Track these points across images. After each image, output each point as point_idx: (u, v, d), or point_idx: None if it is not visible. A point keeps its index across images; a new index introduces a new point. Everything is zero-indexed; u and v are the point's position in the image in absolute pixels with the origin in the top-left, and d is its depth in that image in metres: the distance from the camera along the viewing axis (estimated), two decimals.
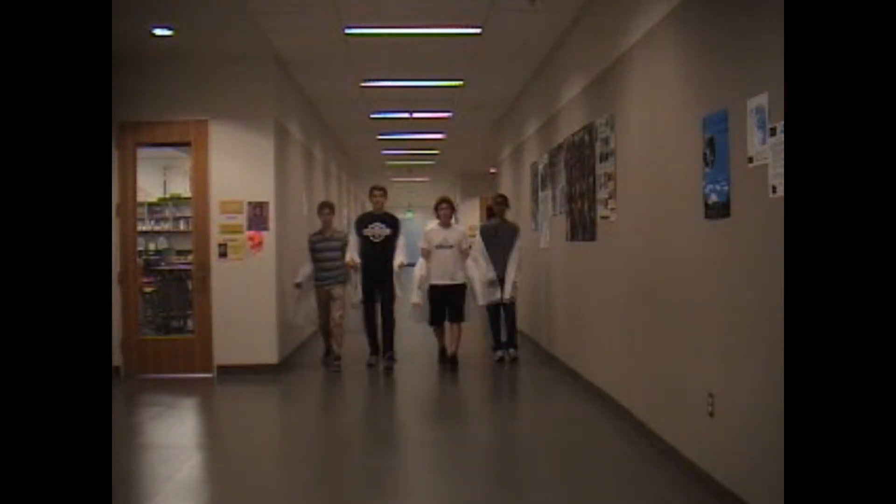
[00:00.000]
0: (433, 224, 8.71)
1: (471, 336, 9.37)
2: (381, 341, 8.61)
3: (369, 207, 8.92)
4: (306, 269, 8.57)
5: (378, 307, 8.54)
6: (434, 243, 8.49)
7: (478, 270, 8.60)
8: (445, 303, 8.45)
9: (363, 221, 8.65)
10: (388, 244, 8.47)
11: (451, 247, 8.49)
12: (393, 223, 8.60)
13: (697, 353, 4.48)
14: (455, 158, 18.54)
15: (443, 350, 8.65)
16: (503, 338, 8.85)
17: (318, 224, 8.89)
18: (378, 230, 8.50)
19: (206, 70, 8.23)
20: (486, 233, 8.89)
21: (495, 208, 9.13)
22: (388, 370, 8.38)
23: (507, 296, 8.63)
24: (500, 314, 8.82)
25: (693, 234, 4.50)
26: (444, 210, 8.61)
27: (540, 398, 7.27)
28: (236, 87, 8.29)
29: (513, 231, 8.87)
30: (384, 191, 8.83)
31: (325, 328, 8.64)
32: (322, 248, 8.55)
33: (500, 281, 8.64)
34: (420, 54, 8.66)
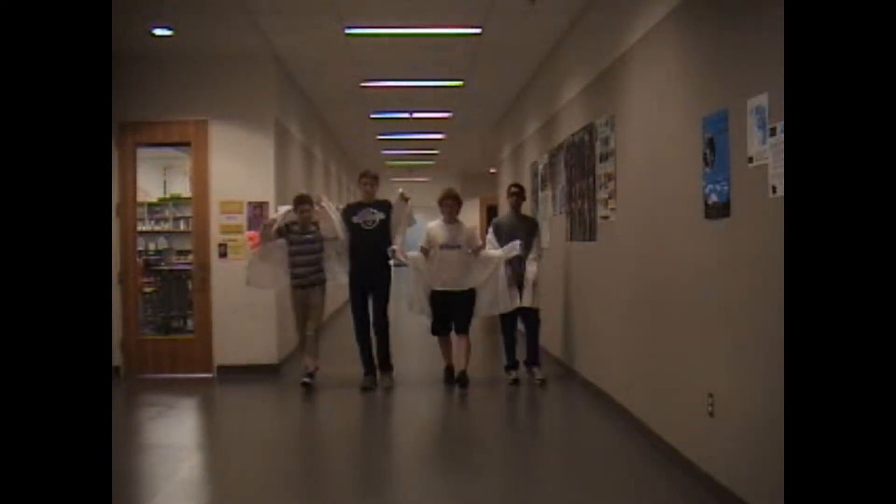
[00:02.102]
0: (436, 221, 7.56)
1: (476, 347, 8.14)
2: (376, 354, 7.50)
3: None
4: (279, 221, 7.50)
5: (370, 309, 7.48)
6: (438, 242, 7.36)
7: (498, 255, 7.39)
8: (451, 309, 7.39)
9: (351, 210, 7.57)
10: (383, 230, 7.36)
11: (458, 247, 7.34)
12: (387, 207, 7.48)
13: (697, 353, 4.48)
14: (455, 158, 18.54)
15: (448, 369, 7.58)
16: (520, 355, 7.61)
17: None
18: (369, 216, 7.38)
19: (206, 70, 8.23)
20: (499, 228, 7.73)
21: (510, 200, 7.80)
22: (387, 390, 7.33)
23: (526, 302, 7.45)
24: (517, 325, 7.68)
25: (693, 234, 4.50)
26: (449, 206, 7.47)
27: (536, 398, 7.26)
28: (236, 87, 8.30)
29: (531, 226, 7.70)
30: (375, 177, 7.63)
31: (302, 336, 7.62)
32: (298, 242, 7.45)
33: (518, 285, 7.48)
34: (420, 54, 8.66)
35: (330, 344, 9.29)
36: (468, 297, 7.40)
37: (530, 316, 7.55)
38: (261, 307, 8.21)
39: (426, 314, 7.53)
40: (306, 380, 7.39)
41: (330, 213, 7.58)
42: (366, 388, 7.29)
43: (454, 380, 7.45)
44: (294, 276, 7.45)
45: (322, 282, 7.51)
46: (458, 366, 7.46)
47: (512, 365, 7.60)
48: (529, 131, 10.37)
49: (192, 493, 4.74)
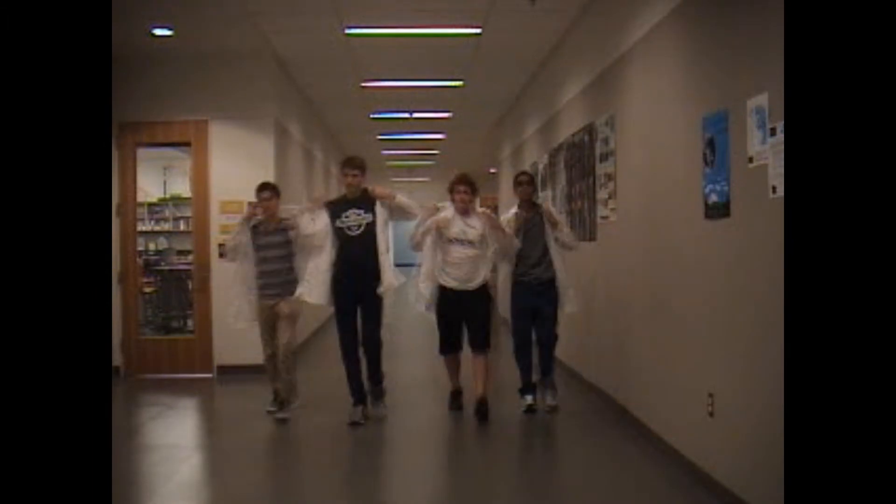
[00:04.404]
0: (447, 212, 6.14)
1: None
2: (365, 378, 6.19)
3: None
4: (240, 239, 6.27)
5: (359, 326, 6.14)
6: (447, 235, 6.03)
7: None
8: (462, 317, 6.12)
9: (334, 209, 6.11)
10: (372, 233, 5.98)
11: (470, 243, 6.01)
12: (372, 205, 6.04)
13: (697, 353, 4.48)
14: (455, 158, 18.54)
15: (455, 393, 6.27)
16: (534, 376, 6.33)
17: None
18: (355, 219, 6.00)
19: (206, 70, 8.23)
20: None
21: (517, 191, 6.45)
22: (379, 416, 6.16)
23: (571, 307, 6.27)
24: (532, 337, 6.34)
25: (693, 234, 4.49)
26: (462, 194, 6.05)
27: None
28: (236, 87, 8.30)
29: (544, 218, 6.31)
30: (360, 168, 6.13)
31: (273, 360, 6.32)
32: (264, 245, 6.24)
33: (541, 285, 6.22)
34: (420, 54, 8.66)
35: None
36: (482, 297, 6.13)
37: (548, 327, 6.28)
38: None
39: (429, 309, 6.17)
40: (282, 415, 6.21)
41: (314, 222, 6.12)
42: (355, 423, 5.97)
43: (459, 404, 6.30)
44: (261, 287, 6.25)
45: (292, 291, 6.16)
46: (476, 391, 6.09)
47: (527, 388, 6.32)
48: (529, 131, 10.37)
49: (192, 493, 4.74)
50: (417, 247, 6.17)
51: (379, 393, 6.28)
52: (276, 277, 6.21)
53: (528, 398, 6.25)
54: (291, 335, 6.27)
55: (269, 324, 6.26)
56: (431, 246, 6.06)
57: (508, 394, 6.56)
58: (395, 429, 6.09)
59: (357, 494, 4.72)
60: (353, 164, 6.14)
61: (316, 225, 6.06)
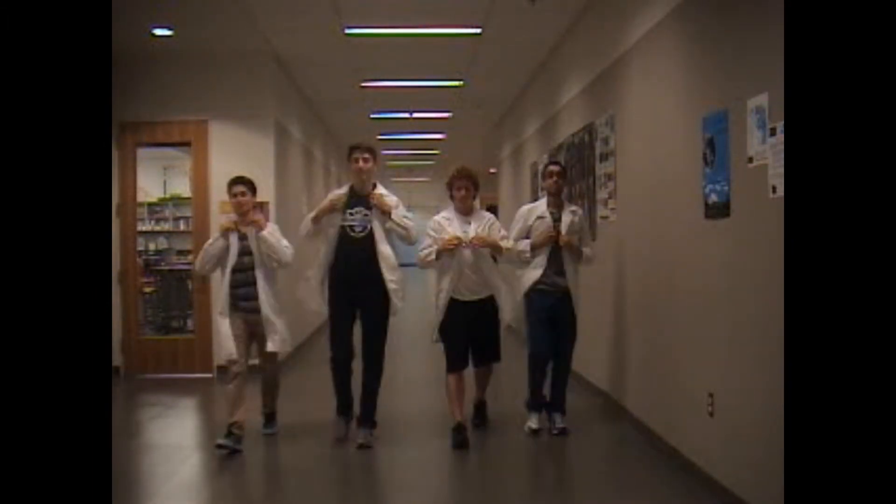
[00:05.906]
0: (445, 212, 5.61)
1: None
2: (359, 405, 5.48)
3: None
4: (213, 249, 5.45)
5: (356, 332, 5.47)
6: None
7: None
8: (471, 330, 5.44)
9: (345, 201, 5.41)
10: (375, 240, 5.33)
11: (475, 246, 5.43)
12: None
13: (697, 353, 4.48)
14: (455, 158, 18.47)
15: (458, 428, 5.32)
16: (545, 394, 5.71)
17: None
18: (361, 218, 5.32)
19: (206, 70, 8.24)
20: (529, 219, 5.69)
21: (546, 183, 5.72)
22: (364, 446, 5.29)
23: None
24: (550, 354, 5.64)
25: (693, 234, 4.50)
26: (462, 190, 5.44)
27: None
28: (236, 87, 8.30)
29: (575, 221, 5.68)
30: (371, 152, 5.42)
31: (240, 377, 5.42)
32: (238, 250, 5.39)
33: (564, 292, 5.58)
34: (420, 54, 8.67)
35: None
36: (490, 310, 5.50)
37: (566, 345, 5.66)
38: None
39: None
40: (268, 430, 5.79)
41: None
42: (339, 440, 5.50)
43: (462, 442, 5.29)
44: (234, 297, 5.40)
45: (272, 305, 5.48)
46: (477, 394, 5.83)
47: (535, 405, 5.70)
48: (529, 131, 10.37)
49: (192, 493, 4.74)
50: (427, 265, 5.51)
51: (369, 423, 5.46)
52: (252, 287, 5.38)
53: (534, 421, 5.64)
54: (276, 366, 5.79)
55: (243, 339, 5.41)
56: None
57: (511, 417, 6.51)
58: (395, 431, 6.08)
59: (357, 495, 4.72)
60: (363, 149, 5.39)
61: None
